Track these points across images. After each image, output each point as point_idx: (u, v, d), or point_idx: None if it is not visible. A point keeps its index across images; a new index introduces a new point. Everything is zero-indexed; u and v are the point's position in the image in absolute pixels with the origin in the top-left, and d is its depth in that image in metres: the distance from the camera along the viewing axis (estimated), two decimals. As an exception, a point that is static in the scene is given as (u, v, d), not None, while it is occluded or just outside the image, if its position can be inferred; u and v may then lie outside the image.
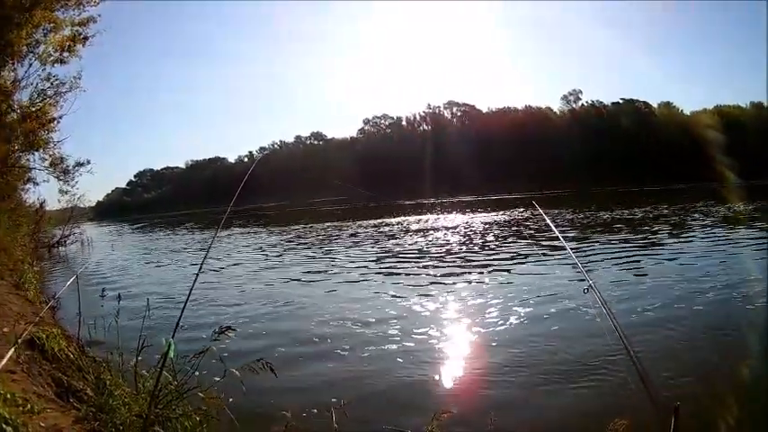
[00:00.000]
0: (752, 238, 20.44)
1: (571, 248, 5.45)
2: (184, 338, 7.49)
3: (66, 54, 23.19)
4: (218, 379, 5.45)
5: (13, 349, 6.06)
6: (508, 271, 17.27)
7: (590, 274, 12.74)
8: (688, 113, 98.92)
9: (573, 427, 6.70)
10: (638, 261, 17.39)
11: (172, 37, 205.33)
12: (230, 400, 5.67)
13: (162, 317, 11.27)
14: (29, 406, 5.08)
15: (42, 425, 4.84)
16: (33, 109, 23.18)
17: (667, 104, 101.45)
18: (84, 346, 7.84)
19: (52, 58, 23.01)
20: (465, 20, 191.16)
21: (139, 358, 5.87)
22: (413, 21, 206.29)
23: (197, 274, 4.93)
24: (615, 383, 7.50)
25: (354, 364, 9.36)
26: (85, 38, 23.47)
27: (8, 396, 5.06)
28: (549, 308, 12.11)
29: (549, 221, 6.95)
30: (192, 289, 4.63)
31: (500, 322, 11.34)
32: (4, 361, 5.77)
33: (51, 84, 23.50)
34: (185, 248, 34.18)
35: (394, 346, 10.15)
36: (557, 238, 6.24)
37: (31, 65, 22.71)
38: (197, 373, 5.45)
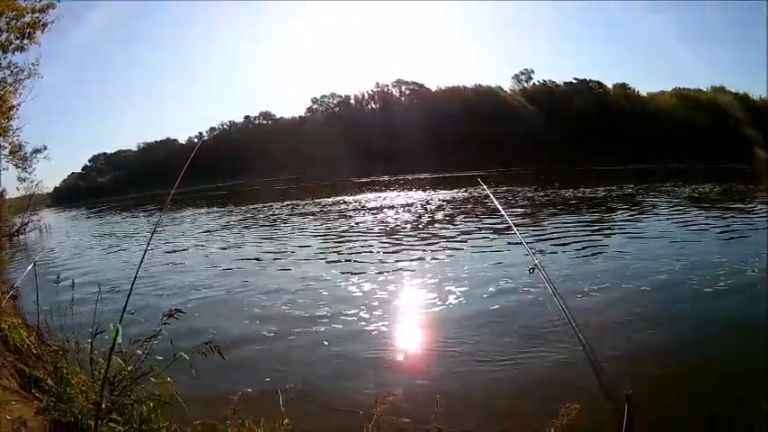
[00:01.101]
0: (712, 219, 20.93)
1: (519, 228, 5.66)
2: (136, 322, 7.67)
3: (26, 41, 22.91)
4: (168, 364, 5.57)
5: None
6: (455, 250, 17.62)
7: (539, 254, 13.27)
8: (645, 95, 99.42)
9: (523, 410, 6.82)
10: (588, 242, 17.73)
11: (121, 19, 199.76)
12: (181, 384, 5.80)
13: (115, 302, 11.42)
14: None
15: (9, 417, 5.07)
16: None
17: (623, 85, 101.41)
18: (43, 335, 7.99)
19: (13, 45, 22.72)
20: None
21: (94, 345, 5.99)
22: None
23: (141, 259, 5.04)
24: (565, 365, 7.67)
25: (302, 346, 9.63)
26: (44, 24, 23.18)
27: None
28: (496, 288, 12.38)
29: (494, 200, 7.19)
30: (136, 274, 4.74)
31: (447, 302, 11.67)
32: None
33: (11, 71, 23.25)
34: (137, 231, 34.25)
35: (340, 327, 10.45)
36: (505, 218, 6.39)
37: None
38: (148, 358, 5.65)
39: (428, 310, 11.22)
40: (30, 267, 9.47)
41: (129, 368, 5.47)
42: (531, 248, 5.58)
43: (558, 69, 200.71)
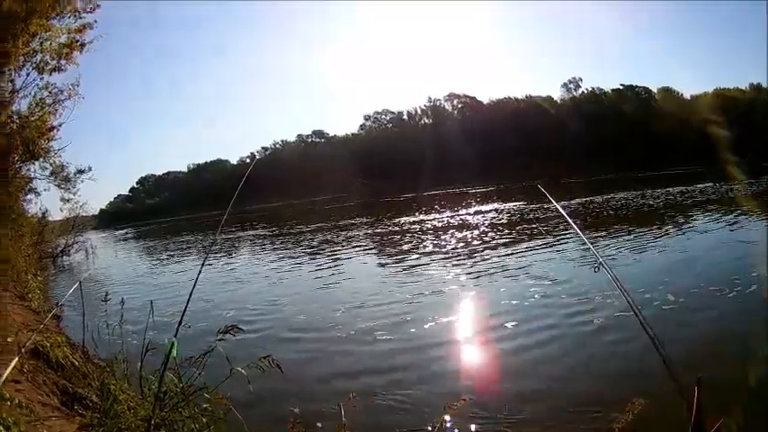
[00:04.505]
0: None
1: (580, 231, 5.38)
2: (189, 339, 7.42)
3: (63, 62, 22.95)
4: (224, 379, 5.30)
5: (17, 358, 5.99)
6: (518, 255, 17.52)
7: (601, 254, 12.93)
8: (688, 97, 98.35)
9: (591, 408, 6.62)
10: (650, 244, 17.45)
11: (166, 37, 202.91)
12: (237, 399, 5.54)
13: (166, 319, 11.28)
14: (33, 414, 5.04)
15: None
16: (32, 118, 22.99)
17: (667, 89, 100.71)
18: (89, 353, 7.75)
19: (49, 66, 22.69)
20: (463, 8, 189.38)
21: (144, 361, 5.78)
22: (411, 13, 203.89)
23: (198, 274, 4.80)
24: (632, 362, 7.58)
25: (362, 359, 9.34)
26: (82, 44, 23.18)
27: (13, 404, 5.03)
28: (562, 290, 12.29)
29: (555, 203, 6.84)
30: (193, 288, 4.48)
31: (513, 308, 11.44)
32: (9, 370, 5.70)
33: (50, 92, 23.20)
34: (187, 252, 34.15)
35: (403, 340, 10.12)
36: (566, 224, 6.17)
37: (28, 74, 22.43)
38: (203, 374, 5.37)
39: (497, 319, 10.89)
40: (75, 286, 9.26)
41: (181, 385, 5.21)
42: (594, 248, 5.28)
43: (604, 74, 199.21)
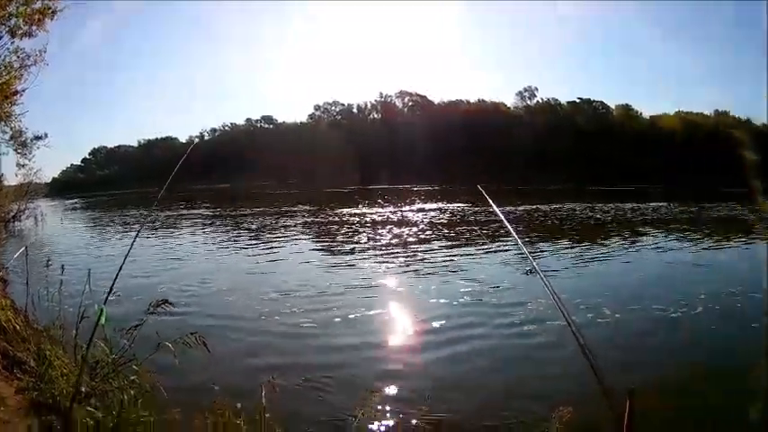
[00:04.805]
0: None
1: (516, 234, 5.66)
2: (121, 312, 7.64)
3: (34, 28, 22.86)
4: (152, 352, 5.51)
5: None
6: (454, 257, 18.03)
7: (541, 262, 13.39)
8: (647, 117, 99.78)
9: (515, 412, 6.79)
10: (592, 257, 18.04)
11: (130, 11, 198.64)
12: (165, 373, 5.79)
13: (102, 289, 11.38)
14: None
15: None
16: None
17: (625, 106, 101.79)
18: (29, 318, 7.93)
19: (21, 31, 22.66)
20: (420, 6, 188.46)
21: (78, 329, 5.94)
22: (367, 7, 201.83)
23: (130, 246, 4.93)
24: (559, 370, 7.78)
25: (285, 345, 9.63)
26: (54, 11, 23.14)
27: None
28: (494, 294, 12.60)
29: (494, 206, 7.07)
30: (125, 259, 4.63)
31: (444, 305, 11.87)
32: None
33: (18, 57, 23.21)
34: (131, 226, 34.01)
35: (327, 330, 10.41)
36: (507, 230, 6.39)
37: (1, 37, 22.49)
38: (133, 347, 5.61)
39: (425, 312, 11.34)
40: (21, 250, 9.42)
41: (111, 356, 5.44)
42: (530, 253, 5.52)
43: (562, 87, 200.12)
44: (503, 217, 5.35)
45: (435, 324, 10.61)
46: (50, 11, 23.15)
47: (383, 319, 11.11)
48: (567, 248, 19.83)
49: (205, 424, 4.90)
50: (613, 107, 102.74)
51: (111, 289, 4.32)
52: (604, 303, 11.58)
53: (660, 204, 36.37)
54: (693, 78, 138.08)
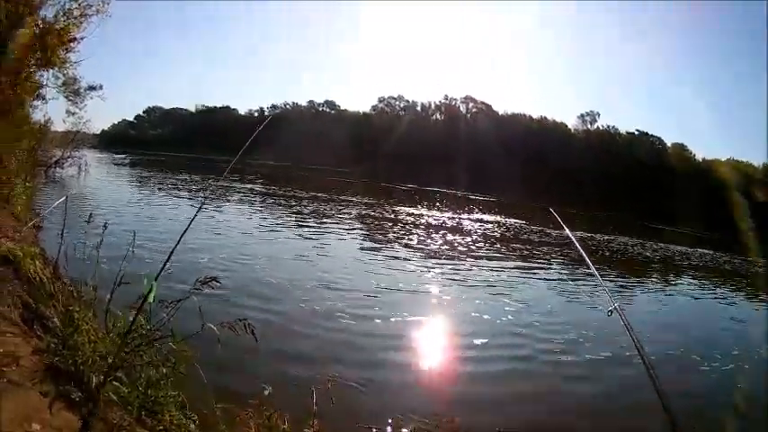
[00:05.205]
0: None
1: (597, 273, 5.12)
2: (163, 283, 7.08)
3: (98, -24, 22.82)
4: (194, 333, 4.93)
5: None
6: (505, 275, 17.26)
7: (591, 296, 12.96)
8: (700, 159, 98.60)
9: None
10: (661, 294, 17.95)
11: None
12: (204, 358, 5.19)
13: (144, 256, 10.94)
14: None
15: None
16: (57, 26, 22.90)
17: (681, 145, 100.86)
18: (60, 271, 7.42)
19: (83, -22, 22.65)
20: (495, 14, 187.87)
21: (114, 296, 5.38)
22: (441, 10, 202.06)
23: (192, 218, 4.48)
24: (610, 406, 7.74)
25: (325, 343, 9.07)
26: (118, -38, 23.13)
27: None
28: (542, 319, 12.15)
29: (571, 236, 6.47)
30: (184, 232, 4.18)
31: (488, 321, 11.45)
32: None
33: (79, 4, 23.21)
34: (180, 190, 33.90)
35: (367, 333, 9.86)
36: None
37: None
38: (171, 321, 4.99)
39: (486, 333, 10.71)
40: (61, 200, 8.93)
41: (147, 327, 4.86)
42: (609, 291, 4.97)
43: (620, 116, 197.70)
44: (578, 245, 5.06)
45: (477, 340, 10.12)
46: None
47: (425, 329, 10.62)
48: (619, 282, 19.11)
49: (248, 424, 4.37)
50: (669, 144, 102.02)
51: (165, 263, 3.80)
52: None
53: (709, 252, 35.56)
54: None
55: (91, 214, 7.67)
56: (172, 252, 3.98)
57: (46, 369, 4.50)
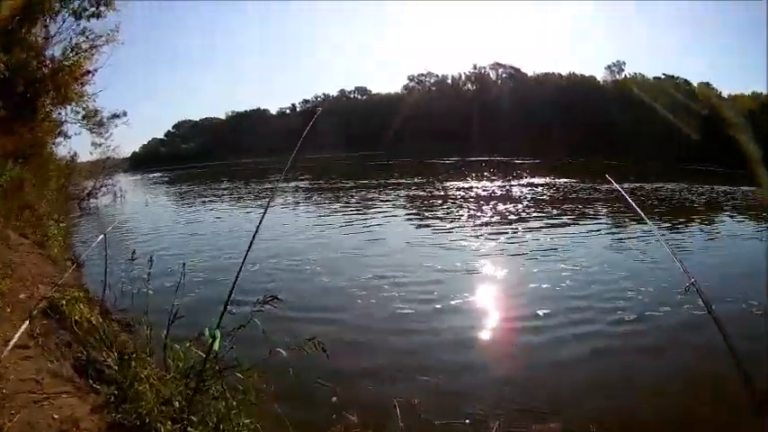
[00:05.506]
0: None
1: (663, 240, 4.58)
2: (213, 295, 6.70)
3: (102, 8, 23.09)
4: (260, 358, 4.64)
5: (26, 323, 5.41)
6: (578, 239, 16.51)
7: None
8: (726, 96, 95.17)
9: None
10: (726, 238, 16.69)
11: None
12: (274, 384, 4.88)
13: (198, 284, 10.56)
14: (41, 388, 4.44)
15: (56, 417, 4.19)
16: (66, 63, 23.16)
17: (707, 84, 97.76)
18: (110, 312, 7.10)
19: (88, 12, 23.07)
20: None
21: (169, 330, 5.16)
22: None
23: (251, 241, 4.16)
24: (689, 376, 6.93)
25: (398, 341, 8.54)
26: (116, -8, 23.26)
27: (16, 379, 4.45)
28: (602, 278, 11.60)
29: (626, 197, 5.93)
30: (244, 259, 3.85)
31: (550, 295, 10.66)
32: (17, 337, 5.11)
33: (86, 38, 23.54)
34: (224, 203, 32.43)
35: (440, 332, 9.09)
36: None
37: (64, 20, 22.81)
38: (234, 348, 4.67)
39: (564, 322, 9.64)
40: (99, 239, 8.57)
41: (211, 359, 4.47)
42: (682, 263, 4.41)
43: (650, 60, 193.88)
44: (633, 204, 4.71)
45: (541, 321, 9.34)
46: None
47: (489, 314, 9.90)
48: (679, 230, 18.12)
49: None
50: (695, 85, 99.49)
51: (226, 303, 3.44)
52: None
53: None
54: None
55: (134, 252, 7.31)
56: (231, 290, 3.64)
57: (108, 429, 4.14)
